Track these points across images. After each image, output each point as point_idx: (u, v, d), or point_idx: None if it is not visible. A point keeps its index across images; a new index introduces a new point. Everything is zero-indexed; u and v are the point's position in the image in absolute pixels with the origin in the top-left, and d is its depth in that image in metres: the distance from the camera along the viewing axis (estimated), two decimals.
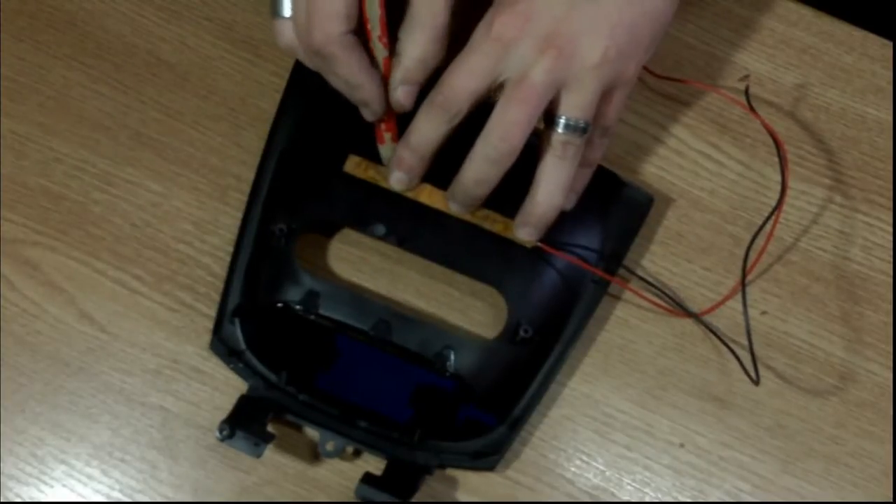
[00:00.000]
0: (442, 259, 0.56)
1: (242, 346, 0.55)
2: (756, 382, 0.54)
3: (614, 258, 0.56)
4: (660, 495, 0.55)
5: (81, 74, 0.60)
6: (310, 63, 0.50)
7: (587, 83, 0.47)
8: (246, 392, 0.55)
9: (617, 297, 0.57)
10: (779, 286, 0.57)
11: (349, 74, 0.49)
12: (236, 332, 0.55)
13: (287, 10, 0.50)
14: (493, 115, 0.47)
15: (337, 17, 0.47)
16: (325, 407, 0.54)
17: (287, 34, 0.50)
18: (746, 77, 0.59)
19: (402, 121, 0.50)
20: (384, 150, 0.52)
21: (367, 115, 0.51)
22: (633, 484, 0.55)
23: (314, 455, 0.55)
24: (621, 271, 0.56)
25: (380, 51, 0.49)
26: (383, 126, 0.51)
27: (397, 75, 0.49)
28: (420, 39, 0.48)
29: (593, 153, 0.52)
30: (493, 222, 0.52)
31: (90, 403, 0.56)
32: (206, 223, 0.58)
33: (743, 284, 0.55)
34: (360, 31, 0.49)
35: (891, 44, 0.61)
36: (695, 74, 0.60)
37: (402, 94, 0.49)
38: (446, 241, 0.55)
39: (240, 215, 0.57)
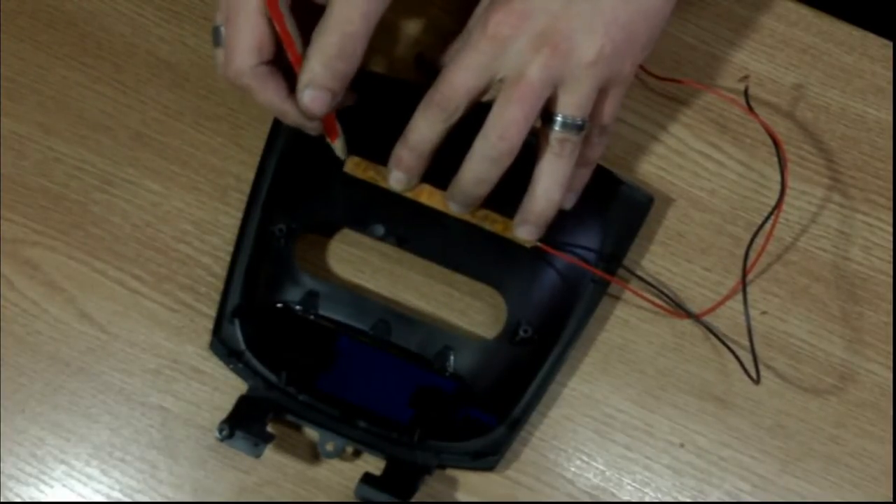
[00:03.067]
0: (441, 259, 0.56)
1: (242, 346, 0.55)
2: (757, 382, 0.54)
3: (614, 258, 0.56)
4: (660, 495, 0.55)
5: (81, 74, 0.60)
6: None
7: (583, 81, 0.47)
8: (246, 392, 0.55)
9: (617, 297, 0.57)
10: (779, 286, 0.57)
11: (269, 103, 0.50)
12: (236, 333, 0.55)
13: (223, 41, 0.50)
14: (491, 113, 0.47)
15: (248, 51, 0.48)
16: (325, 407, 0.54)
17: (220, 64, 0.51)
18: (746, 77, 0.59)
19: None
20: (336, 145, 0.53)
21: (310, 132, 0.52)
22: (633, 484, 0.55)
23: (314, 455, 0.55)
24: (621, 271, 0.56)
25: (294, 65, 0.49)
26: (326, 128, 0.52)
27: (303, 78, 0.48)
28: (328, 43, 0.47)
29: (592, 152, 0.52)
30: (492, 222, 0.52)
31: (90, 403, 0.56)
32: (206, 223, 0.58)
33: (744, 284, 0.55)
34: (281, 57, 0.49)
35: (891, 44, 0.61)
36: (695, 74, 0.60)
37: (308, 99, 0.48)
38: (446, 241, 0.55)
39: (240, 215, 0.57)
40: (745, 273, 0.55)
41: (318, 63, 0.47)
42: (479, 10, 0.51)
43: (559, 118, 0.48)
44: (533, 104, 0.47)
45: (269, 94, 0.49)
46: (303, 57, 0.48)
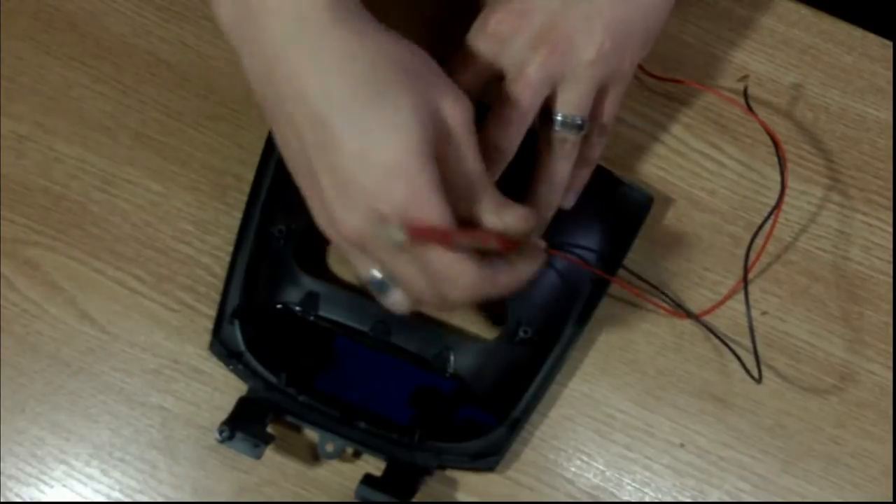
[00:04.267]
0: None
1: (242, 347, 0.55)
2: (758, 381, 0.54)
3: (614, 258, 0.56)
4: (660, 495, 0.55)
5: (81, 74, 0.60)
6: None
7: (582, 79, 0.47)
8: (245, 393, 0.55)
9: (617, 298, 0.57)
10: (779, 286, 0.57)
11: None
12: (236, 334, 0.55)
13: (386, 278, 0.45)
14: (491, 112, 0.47)
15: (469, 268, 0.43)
16: (325, 408, 0.54)
17: (402, 301, 0.46)
18: (745, 78, 0.59)
19: None
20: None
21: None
22: (633, 484, 0.55)
23: (314, 455, 0.55)
24: (621, 271, 0.56)
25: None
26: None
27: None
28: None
29: (591, 152, 0.52)
30: None
31: (90, 403, 0.56)
32: (206, 223, 0.58)
33: (745, 283, 0.55)
34: None
35: (891, 44, 0.61)
36: (695, 74, 0.60)
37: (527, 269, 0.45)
38: None
39: (240, 215, 0.57)
40: (746, 273, 0.55)
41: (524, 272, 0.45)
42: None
43: (558, 117, 0.48)
44: (532, 102, 0.47)
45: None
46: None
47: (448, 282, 0.42)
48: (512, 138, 0.47)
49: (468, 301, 0.44)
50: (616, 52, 0.48)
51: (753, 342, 0.54)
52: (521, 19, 0.47)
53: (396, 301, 0.46)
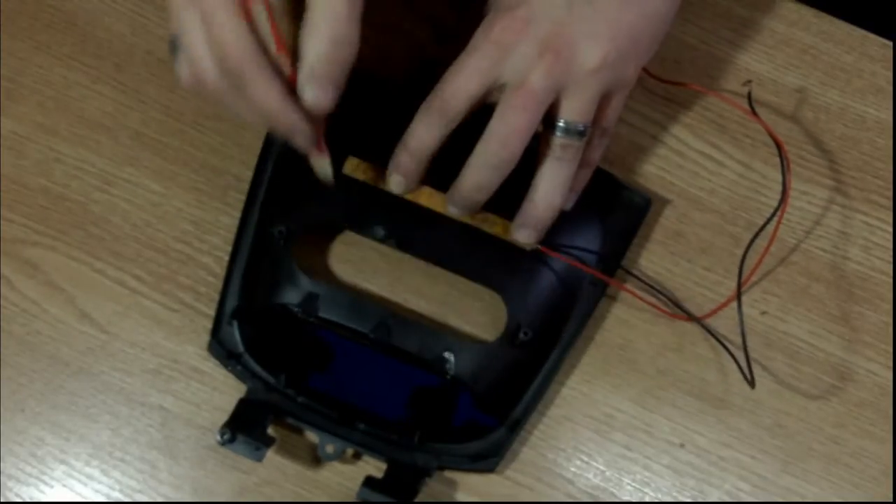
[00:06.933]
0: (441, 261, 0.55)
1: (241, 348, 0.55)
2: (752, 385, 0.54)
3: (613, 260, 0.56)
4: (660, 495, 0.55)
5: (81, 74, 0.60)
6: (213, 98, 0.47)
7: (586, 87, 0.47)
8: (245, 394, 0.55)
9: (616, 298, 0.57)
10: (779, 286, 0.57)
11: (265, 105, 0.46)
12: (235, 335, 0.55)
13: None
14: (493, 120, 0.47)
15: (243, 46, 0.44)
16: (325, 409, 0.54)
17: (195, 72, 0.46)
18: (749, 83, 0.59)
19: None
20: (319, 163, 0.49)
21: (300, 143, 0.48)
22: (633, 484, 0.55)
23: (314, 455, 0.55)
24: (620, 273, 0.56)
25: (284, 64, 0.45)
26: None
27: (303, 75, 0.45)
28: (320, 36, 0.44)
29: (592, 153, 0.52)
30: (492, 224, 0.52)
31: (90, 403, 0.56)
32: (206, 223, 0.58)
33: (738, 290, 0.55)
34: None
35: (891, 44, 0.61)
36: (695, 74, 0.60)
37: (311, 95, 0.45)
38: (445, 243, 0.55)
39: (239, 215, 0.57)
40: (740, 278, 0.55)
41: (315, 56, 0.44)
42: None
43: (561, 123, 0.48)
44: (535, 111, 0.47)
45: (270, 92, 0.45)
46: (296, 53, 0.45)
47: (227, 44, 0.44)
48: (515, 146, 0.47)
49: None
50: (621, 60, 0.48)
51: (745, 347, 0.54)
52: (525, 26, 0.46)
53: (183, 74, 0.46)
